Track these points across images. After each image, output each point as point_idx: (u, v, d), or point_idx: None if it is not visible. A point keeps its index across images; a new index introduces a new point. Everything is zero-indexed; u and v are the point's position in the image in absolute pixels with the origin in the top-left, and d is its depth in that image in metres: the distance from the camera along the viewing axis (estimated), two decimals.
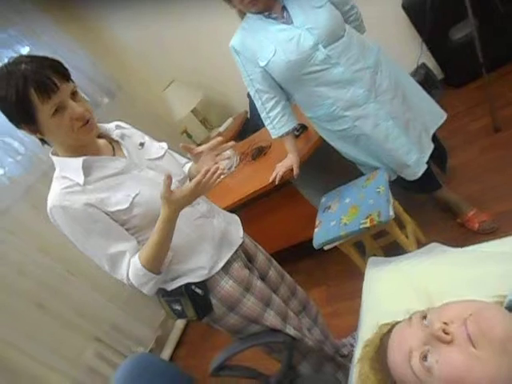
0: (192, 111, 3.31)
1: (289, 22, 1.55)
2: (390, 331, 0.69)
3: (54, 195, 1.08)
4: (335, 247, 1.76)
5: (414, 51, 2.69)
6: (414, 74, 2.67)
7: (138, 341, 2.65)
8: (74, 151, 1.10)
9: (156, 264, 1.15)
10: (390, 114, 1.65)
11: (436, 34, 2.51)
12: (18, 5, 2.75)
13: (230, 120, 3.39)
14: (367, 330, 0.81)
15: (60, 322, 2.30)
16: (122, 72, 3.39)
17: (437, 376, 0.58)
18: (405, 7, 2.51)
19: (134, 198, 1.12)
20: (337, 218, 1.74)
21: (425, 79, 2.63)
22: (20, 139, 2.50)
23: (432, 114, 1.83)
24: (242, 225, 1.46)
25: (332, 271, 2.25)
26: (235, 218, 1.46)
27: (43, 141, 1.09)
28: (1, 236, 2.21)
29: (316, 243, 1.75)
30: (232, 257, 1.31)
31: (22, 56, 1.02)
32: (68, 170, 1.09)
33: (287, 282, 1.54)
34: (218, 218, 1.33)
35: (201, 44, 3.13)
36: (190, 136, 3.42)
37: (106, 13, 3.17)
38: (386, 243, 1.92)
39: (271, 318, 1.33)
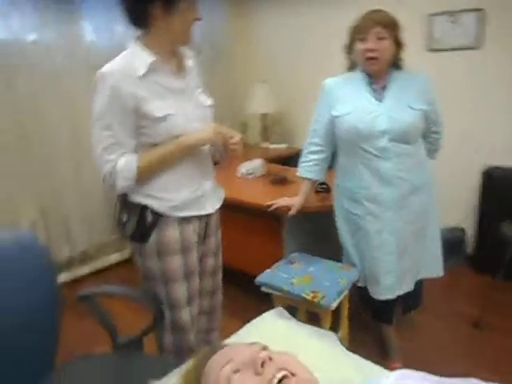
0: (262, 114, 3.44)
1: (380, 99, 1.62)
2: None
3: (113, 66, 1.19)
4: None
5: (463, 214, 2.74)
6: (448, 229, 2.68)
7: None
8: (161, 46, 1.24)
9: (146, 175, 1.26)
10: (397, 232, 1.68)
11: (489, 220, 2.55)
12: None
13: (283, 145, 3.48)
14: None
15: None
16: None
17: None
18: (484, 175, 2.59)
19: (168, 115, 1.22)
20: (291, 274, 1.77)
21: (452, 240, 2.64)
22: None
23: (432, 262, 1.83)
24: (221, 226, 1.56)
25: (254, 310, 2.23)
26: (222, 193, 1.53)
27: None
28: None
29: (259, 280, 1.77)
30: (194, 218, 1.37)
31: None
32: (138, 58, 1.21)
33: (214, 281, 1.57)
34: (209, 184, 1.42)
35: (307, 68, 3.29)
36: (244, 130, 3.54)
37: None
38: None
39: (179, 292, 1.36)
